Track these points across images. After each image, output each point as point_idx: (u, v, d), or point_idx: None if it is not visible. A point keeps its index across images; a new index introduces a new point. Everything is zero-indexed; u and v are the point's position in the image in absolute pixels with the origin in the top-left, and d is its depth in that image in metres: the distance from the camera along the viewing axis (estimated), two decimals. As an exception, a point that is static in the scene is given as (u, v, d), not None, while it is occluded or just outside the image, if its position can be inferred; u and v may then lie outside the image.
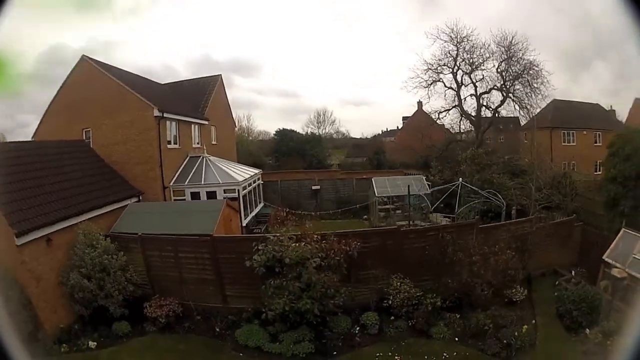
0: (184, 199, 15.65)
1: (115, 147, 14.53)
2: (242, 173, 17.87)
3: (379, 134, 47.89)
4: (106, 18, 49.25)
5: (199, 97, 20.61)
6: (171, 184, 15.74)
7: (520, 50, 24.13)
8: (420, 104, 32.45)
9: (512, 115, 26.83)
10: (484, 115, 25.85)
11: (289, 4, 56.13)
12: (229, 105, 25.20)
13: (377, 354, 8.67)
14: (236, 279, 10.47)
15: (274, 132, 36.02)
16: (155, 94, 17.19)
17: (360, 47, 62.71)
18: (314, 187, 21.95)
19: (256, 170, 20.05)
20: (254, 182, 18.89)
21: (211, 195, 15.64)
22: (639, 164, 12.33)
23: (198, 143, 19.01)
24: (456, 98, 25.86)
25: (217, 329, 9.92)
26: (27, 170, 10.85)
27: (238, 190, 15.44)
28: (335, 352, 8.87)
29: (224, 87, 23.91)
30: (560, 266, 11.98)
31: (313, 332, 9.09)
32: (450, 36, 25.07)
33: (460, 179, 16.20)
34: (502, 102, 25.22)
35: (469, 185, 15.82)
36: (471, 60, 25.05)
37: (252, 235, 11.40)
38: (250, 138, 38.79)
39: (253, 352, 8.91)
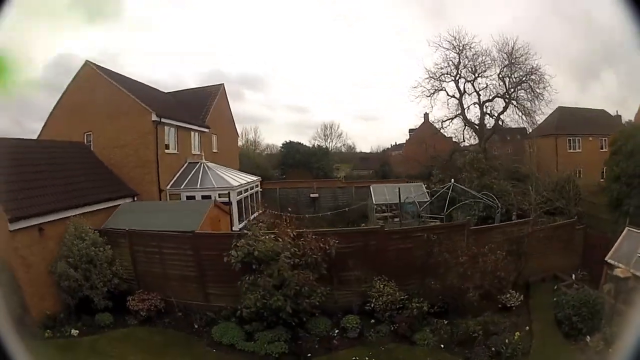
0: (180, 202, 15.96)
1: (114, 151, 15.07)
2: (238, 179, 18.18)
3: (387, 148, 47.88)
4: (116, 29, 51.26)
5: (201, 105, 21.19)
6: (168, 187, 16.14)
7: (522, 55, 23.97)
8: (426, 115, 32.45)
9: (518, 126, 26.47)
10: (488, 124, 25.64)
11: (291, 8, 57.08)
12: (232, 116, 25.77)
13: (353, 358, 8.47)
14: (217, 276, 10.56)
15: (281, 145, 36.49)
16: (155, 100, 17.80)
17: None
18: (312, 195, 22.09)
19: (254, 178, 20.32)
20: (251, 188, 19.12)
21: (206, 198, 15.92)
22: None
23: (198, 150, 19.45)
24: (459, 106, 25.69)
25: (196, 325, 10.04)
26: (26, 164, 11.42)
27: (229, 193, 15.62)
28: (309, 354, 8.74)
29: (227, 97, 24.55)
30: (561, 271, 11.41)
31: (290, 332, 9.03)
32: (452, 44, 25.05)
33: (452, 180, 16.02)
34: (505, 108, 24.97)
35: (459, 186, 15.60)
36: (474, 68, 24.95)
37: (231, 232, 11.51)
38: (258, 151, 39.34)
39: (227, 349, 8.94)
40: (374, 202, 18.61)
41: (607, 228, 12.43)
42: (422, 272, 10.16)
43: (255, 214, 19.18)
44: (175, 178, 16.87)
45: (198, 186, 16.44)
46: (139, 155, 15.17)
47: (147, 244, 11.16)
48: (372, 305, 9.67)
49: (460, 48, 24.80)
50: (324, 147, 39.43)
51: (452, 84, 25.70)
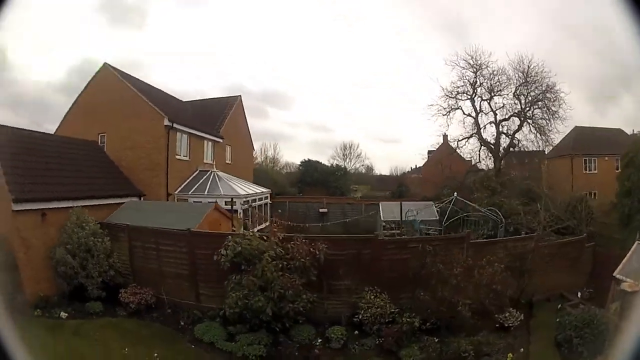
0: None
1: (125, 152, 15.65)
2: (246, 189, 18.40)
3: (407, 172, 47.49)
4: (138, 36, 54.07)
5: (217, 115, 21.81)
6: (176, 192, 16.53)
7: (537, 74, 23.82)
8: (445, 137, 32.25)
9: (536, 149, 25.88)
10: (504, 143, 25.36)
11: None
12: (249, 129, 26.34)
13: None
14: (209, 276, 10.53)
15: (300, 163, 36.86)
16: (169, 105, 18.39)
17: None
18: (321, 210, 22.01)
19: (264, 190, 20.51)
20: (260, 199, 19.28)
21: (212, 205, 16.15)
22: None
23: (210, 159, 19.91)
24: (475, 125, 25.51)
25: (182, 322, 10.06)
26: (34, 153, 12.01)
27: (232, 200, 15.74)
28: (286, 361, 8.57)
29: (244, 110, 25.18)
30: (568, 290, 10.76)
31: (271, 337, 8.89)
32: (469, 62, 25.10)
33: (455, 193, 15.62)
34: (520, 126, 24.64)
35: (461, 199, 15.20)
36: (490, 87, 24.88)
37: (225, 232, 11.55)
38: (277, 168, 39.83)
39: (207, 347, 8.89)
40: (382, 218, 18.28)
41: (618, 246, 11.59)
42: (414, 284, 9.70)
43: (263, 225, 19.26)
44: (184, 184, 17.28)
45: (205, 193, 16.74)
46: (150, 158, 15.66)
47: (145, 240, 11.38)
48: (360, 317, 9.33)
49: (477, 67, 24.86)
50: (342, 166, 39.51)
51: (468, 102, 25.74)
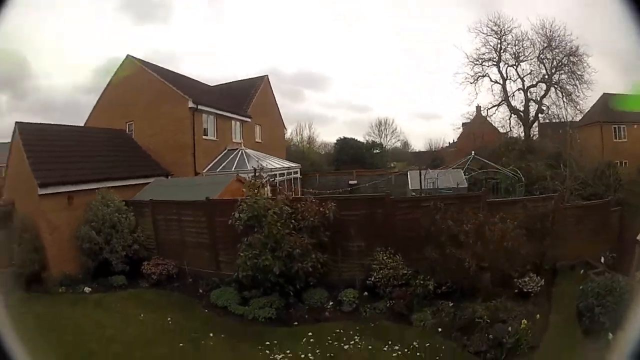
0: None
1: (153, 138, 16.15)
2: (274, 164, 18.30)
3: (446, 146, 45.26)
4: (165, 31, 55.47)
5: (244, 96, 21.92)
6: (204, 171, 16.84)
7: (560, 36, 22.86)
8: (478, 108, 30.32)
9: (568, 118, 24.82)
10: (533, 110, 24.53)
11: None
12: (278, 108, 26.25)
13: (337, 330, 7.79)
14: (228, 243, 10.46)
15: (335, 141, 36.42)
16: (193, 88, 18.76)
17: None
18: (351, 182, 21.47)
19: (293, 164, 20.34)
20: (289, 174, 19.14)
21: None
22: None
23: (239, 139, 20.06)
24: (503, 92, 24.64)
25: (201, 290, 10.15)
26: (59, 143, 12.74)
27: (256, 172, 15.64)
28: (296, 323, 8.29)
29: (272, 89, 25.06)
30: (593, 258, 9.52)
31: (284, 300, 8.71)
32: (493, 29, 24.46)
33: (473, 152, 14.51)
34: (546, 92, 23.84)
35: (480, 158, 14.06)
36: (516, 53, 24.12)
37: (242, 198, 11.45)
38: (313, 148, 39.69)
39: (220, 311, 8.92)
40: (410, 187, 17.31)
41: None
42: (425, 243, 8.94)
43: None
44: (212, 163, 17.58)
45: (233, 169, 16.87)
46: (175, 140, 16.07)
47: (168, 212, 11.67)
48: (372, 279, 8.87)
49: (501, 32, 24.19)
50: (378, 142, 38.42)
51: (495, 69, 25.15)
